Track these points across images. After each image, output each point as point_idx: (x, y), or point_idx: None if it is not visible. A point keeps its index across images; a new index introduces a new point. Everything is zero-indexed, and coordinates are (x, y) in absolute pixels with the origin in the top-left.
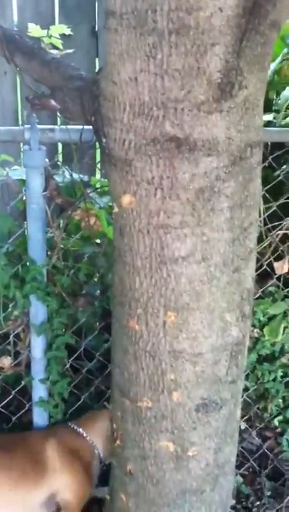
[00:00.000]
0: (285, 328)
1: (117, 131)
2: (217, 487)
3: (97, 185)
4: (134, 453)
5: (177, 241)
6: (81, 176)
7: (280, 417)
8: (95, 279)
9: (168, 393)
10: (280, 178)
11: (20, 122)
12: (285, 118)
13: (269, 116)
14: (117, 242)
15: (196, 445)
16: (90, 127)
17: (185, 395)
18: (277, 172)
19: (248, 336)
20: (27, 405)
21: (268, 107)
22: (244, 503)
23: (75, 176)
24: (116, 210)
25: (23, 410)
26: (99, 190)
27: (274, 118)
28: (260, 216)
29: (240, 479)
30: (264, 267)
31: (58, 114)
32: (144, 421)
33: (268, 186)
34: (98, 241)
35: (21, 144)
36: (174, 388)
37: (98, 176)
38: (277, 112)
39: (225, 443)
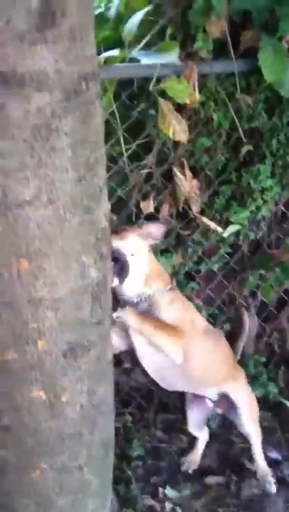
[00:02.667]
0: None
1: None
2: (96, 428)
3: None
4: (6, 406)
5: (19, 185)
6: None
7: None
8: None
9: (32, 343)
10: (136, 117)
11: None
12: (131, 52)
13: (115, 51)
14: None
15: (68, 390)
16: None
17: (50, 342)
18: (135, 111)
19: (109, 276)
20: None
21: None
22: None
23: None
24: None
25: None
26: None
27: (120, 53)
28: (121, 156)
29: (130, 418)
30: (131, 209)
31: None
32: (12, 373)
33: (125, 125)
34: None
35: None
36: (37, 337)
37: None
38: (123, 46)
39: (98, 384)
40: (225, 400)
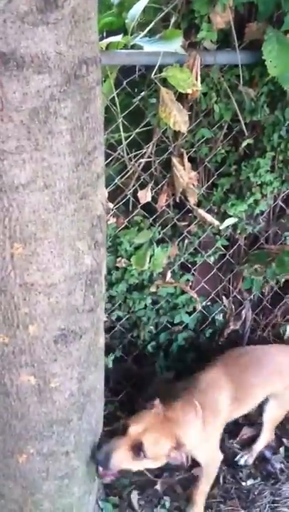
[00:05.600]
0: (151, 256)
1: None
2: (84, 415)
3: None
4: None
5: (15, 167)
6: None
7: (153, 343)
8: None
9: (23, 327)
10: (137, 104)
11: None
12: (134, 39)
13: (118, 37)
14: None
15: (57, 376)
16: None
17: (41, 327)
18: (135, 99)
19: (103, 264)
20: None
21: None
22: None
23: None
24: None
25: None
26: None
27: (123, 39)
28: (120, 144)
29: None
30: (128, 197)
31: None
32: (2, 357)
33: (126, 112)
34: None
35: None
36: (29, 322)
37: None
38: (126, 32)
39: (88, 371)
40: None
